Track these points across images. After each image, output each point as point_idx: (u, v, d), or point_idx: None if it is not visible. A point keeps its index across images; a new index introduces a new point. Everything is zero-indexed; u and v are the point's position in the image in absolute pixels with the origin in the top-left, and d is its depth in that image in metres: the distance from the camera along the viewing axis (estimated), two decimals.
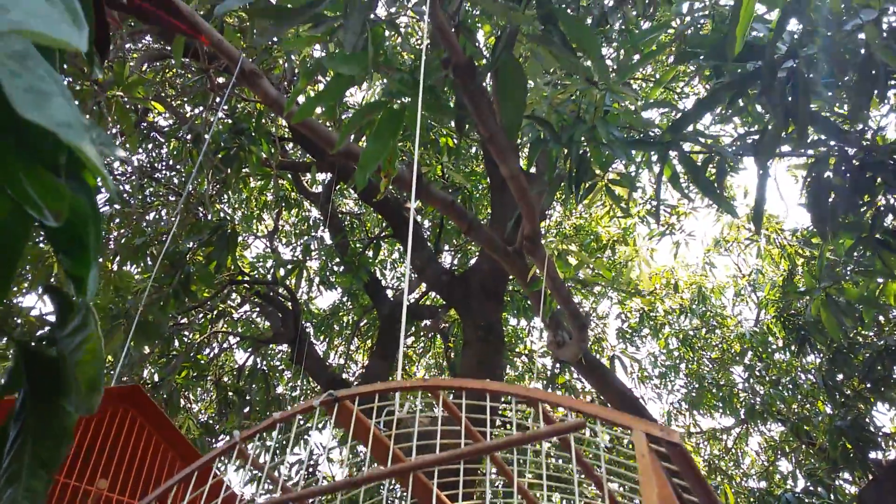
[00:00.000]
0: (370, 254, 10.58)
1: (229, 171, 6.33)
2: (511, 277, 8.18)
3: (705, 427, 15.26)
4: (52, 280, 6.36)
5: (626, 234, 13.93)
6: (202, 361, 11.57)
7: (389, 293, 11.56)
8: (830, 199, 4.04)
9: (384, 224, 11.04)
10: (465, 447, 1.05)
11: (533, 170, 6.03)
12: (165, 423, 4.08)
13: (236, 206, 12.15)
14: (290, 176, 9.99)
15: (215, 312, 11.17)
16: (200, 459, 1.66)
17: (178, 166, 9.48)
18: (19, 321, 6.88)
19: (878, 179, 3.89)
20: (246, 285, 10.70)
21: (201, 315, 11.19)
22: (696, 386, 13.97)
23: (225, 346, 12.39)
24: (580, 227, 14.06)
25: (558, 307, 4.09)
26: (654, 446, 0.85)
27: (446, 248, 12.25)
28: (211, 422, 11.25)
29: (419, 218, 10.49)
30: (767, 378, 12.98)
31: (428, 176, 7.03)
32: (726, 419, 14.45)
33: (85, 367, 0.78)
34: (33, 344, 0.90)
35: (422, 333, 13.11)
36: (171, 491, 1.67)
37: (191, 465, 1.66)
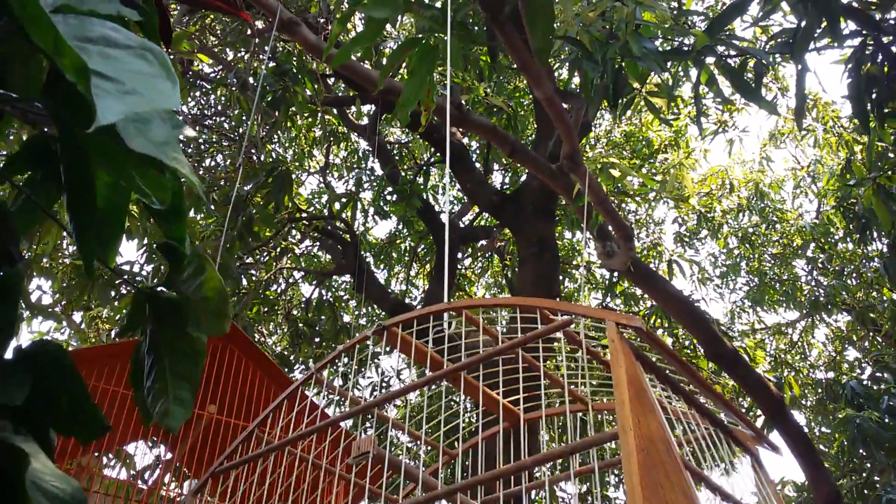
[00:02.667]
0: (420, 181, 10.77)
1: (277, 113, 6.54)
2: None
3: (770, 323, 15.17)
4: None
5: (677, 137, 13.70)
6: (271, 297, 12.12)
7: (443, 218, 11.80)
8: (874, 90, 4.02)
9: (432, 150, 11.17)
10: (484, 353, 1.26)
11: (577, 79, 6.04)
12: (258, 353, 4.45)
13: (287, 145, 12.43)
14: (335, 111, 10.16)
15: (278, 250, 11.61)
16: (287, 389, 1.92)
17: (226, 112, 9.74)
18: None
19: None
20: (304, 221, 11.06)
21: (266, 253, 11.65)
22: (758, 283, 13.92)
23: (291, 281, 12.91)
24: (630, 133, 13.87)
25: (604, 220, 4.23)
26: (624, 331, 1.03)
27: (496, 167, 12.33)
28: (286, 353, 11.87)
29: (466, 140, 10.58)
30: (830, 269, 12.83)
31: (469, 100, 7.07)
32: (790, 313, 14.36)
33: (210, 302, 1.01)
34: (153, 290, 1.14)
35: (478, 254, 13.37)
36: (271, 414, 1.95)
37: (284, 390, 1.93)
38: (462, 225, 11.52)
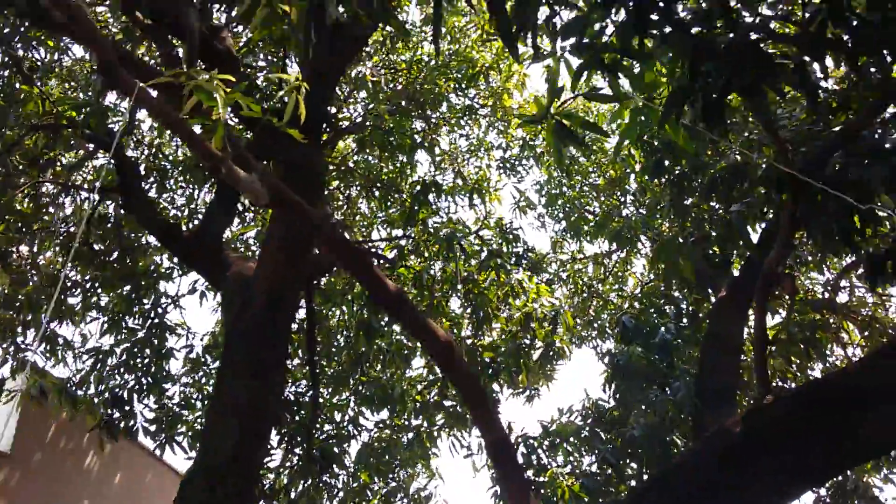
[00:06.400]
0: None
1: None
2: None
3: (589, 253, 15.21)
4: None
5: (498, 60, 13.35)
6: None
7: None
8: None
9: None
10: None
11: None
12: None
13: None
14: None
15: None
16: None
17: None
18: None
19: None
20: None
21: None
22: (576, 214, 13.94)
23: None
24: (456, 51, 13.35)
25: None
26: None
27: None
28: None
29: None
30: (642, 203, 12.88)
31: None
32: (605, 245, 14.42)
33: None
34: None
35: None
36: None
37: None
38: None
